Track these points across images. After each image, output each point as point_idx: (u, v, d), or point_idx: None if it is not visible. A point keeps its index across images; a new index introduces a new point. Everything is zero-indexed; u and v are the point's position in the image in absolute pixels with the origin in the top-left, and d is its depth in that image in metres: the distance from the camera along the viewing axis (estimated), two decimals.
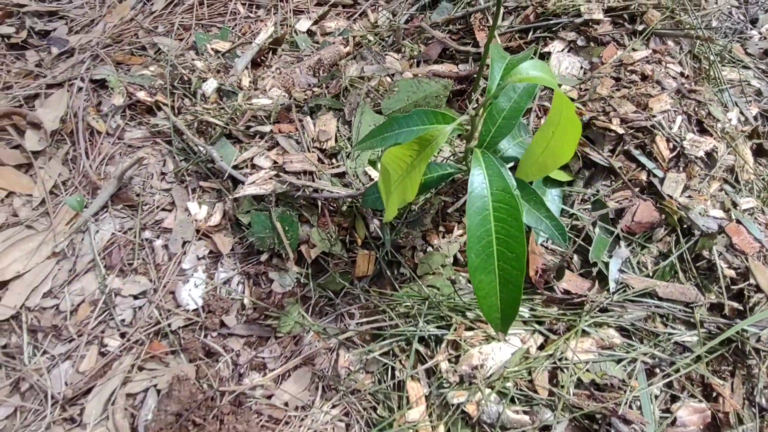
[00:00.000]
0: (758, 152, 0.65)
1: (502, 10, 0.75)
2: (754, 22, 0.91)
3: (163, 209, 0.68)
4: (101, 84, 0.80)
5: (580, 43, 0.70)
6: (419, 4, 0.83)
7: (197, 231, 0.66)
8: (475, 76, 0.69)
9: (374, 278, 0.62)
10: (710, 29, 0.83)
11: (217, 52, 0.81)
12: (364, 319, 0.58)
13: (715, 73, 0.71)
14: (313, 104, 0.68)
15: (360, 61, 0.75)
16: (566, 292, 0.56)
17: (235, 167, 0.66)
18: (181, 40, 0.84)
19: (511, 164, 0.57)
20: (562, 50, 0.70)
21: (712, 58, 0.70)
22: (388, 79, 0.70)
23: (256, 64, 0.81)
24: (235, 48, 0.81)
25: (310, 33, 0.83)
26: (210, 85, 0.73)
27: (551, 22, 0.72)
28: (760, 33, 0.88)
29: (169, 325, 0.60)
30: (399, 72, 0.71)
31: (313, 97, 0.71)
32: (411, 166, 0.41)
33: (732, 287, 0.56)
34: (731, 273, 0.56)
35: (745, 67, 0.79)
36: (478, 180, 0.42)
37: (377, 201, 0.55)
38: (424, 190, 0.54)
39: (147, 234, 0.66)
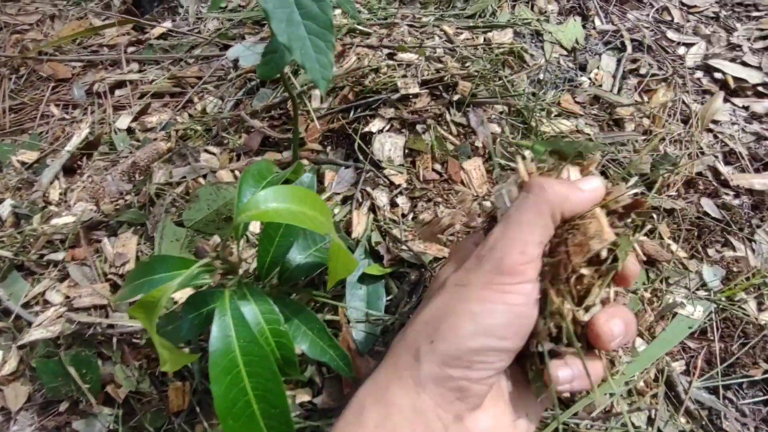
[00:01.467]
0: None
1: (319, 92, 0.72)
2: (583, 68, 0.93)
3: None
4: None
5: (397, 123, 0.68)
6: (246, 88, 0.79)
7: None
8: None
9: (193, 411, 0.55)
10: (539, 82, 0.85)
11: (23, 164, 0.73)
12: None
13: (539, 132, 0.71)
14: (115, 220, 0.62)
15: (176, 159, 0.70)
16: None
17: (26, 305, 0.58)
18: None
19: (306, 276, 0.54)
20: (383, 129, 0.68)
21: (533, 122, 0.70)
22: (202, 180, 0.65)
23: (71, 171, 0.74)
24: (44, 157, 0.74)
25: (130, 131, 0.77)
26: (4, 208, 0.66)
27: (371, 99, 0.70)
28: (589, 79, 0.90)
29: None
30: (213, 171, 0.66)
31: (124, 207, 0.65)
32: (149, 327, 0.36)
33: None
34: None
35: (575, 117, 0.80)
36: (222, 333, 0.37)
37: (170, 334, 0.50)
38: None
39: None
